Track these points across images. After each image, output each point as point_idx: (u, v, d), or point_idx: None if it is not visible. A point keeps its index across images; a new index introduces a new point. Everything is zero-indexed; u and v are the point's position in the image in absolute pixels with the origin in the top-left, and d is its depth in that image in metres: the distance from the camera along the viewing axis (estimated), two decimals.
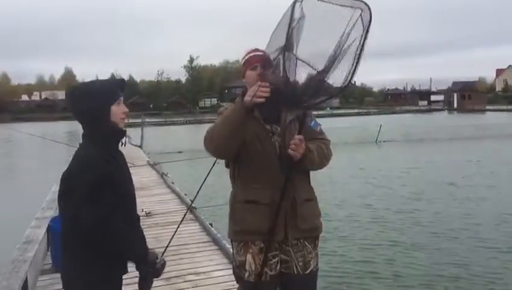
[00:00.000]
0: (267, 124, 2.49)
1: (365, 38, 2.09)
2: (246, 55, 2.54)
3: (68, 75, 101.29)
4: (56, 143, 15.97)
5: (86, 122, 2.13)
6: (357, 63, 2.12)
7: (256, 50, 2.53)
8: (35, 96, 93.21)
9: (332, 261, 6.86)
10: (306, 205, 2.52)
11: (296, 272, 2.53)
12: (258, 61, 2.47)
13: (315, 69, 2.21)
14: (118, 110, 2.14)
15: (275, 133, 2.50)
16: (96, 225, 1.98)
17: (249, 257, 2.49)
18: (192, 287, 4.46)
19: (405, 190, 12.01)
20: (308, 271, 2.55)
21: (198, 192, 2.79)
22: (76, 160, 2.08)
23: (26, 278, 3.85)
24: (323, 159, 2.52)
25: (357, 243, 7.79)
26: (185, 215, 3.42)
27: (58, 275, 4.69)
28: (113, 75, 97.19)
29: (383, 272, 6.51)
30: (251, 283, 2.49)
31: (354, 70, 2.14)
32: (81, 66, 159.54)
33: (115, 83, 2.21)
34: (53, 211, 5.65)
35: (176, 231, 2.89)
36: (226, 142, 2.33)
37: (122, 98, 2.18)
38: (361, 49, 2.10)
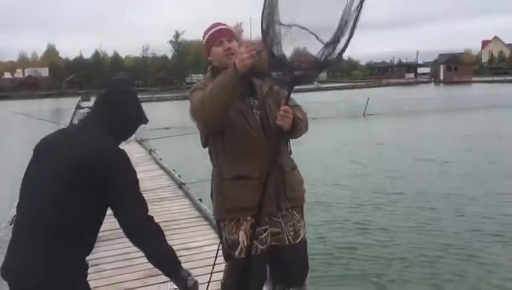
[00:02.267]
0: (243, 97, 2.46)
1: (361, 5, 2.02)
2: (208, 31, 2.54)
3: (51, 51, 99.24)
4: (41, 121, 15.71)
5: (121, 118, 2.10)
6: (353, 32, 2.06)
7: (218, 24, 2.55)
8: (18, 74, 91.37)
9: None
10: (292, 173, 2.56)
11: (287, 242, 2.52)
12: (223, 35, 2.50)
13: (320, 41, 2.12)
14: None
15: (253, 106, 2.49)
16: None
17: (241, 234, 2.44)
18: (185, 261, 4.39)
19: (392, 165, 11.84)
20: (298, 240, 2.55)
21: None
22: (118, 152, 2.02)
23: None
24: (306, 127, 2.56)
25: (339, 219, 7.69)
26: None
27: None
28: (97, 52, 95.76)
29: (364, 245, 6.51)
30: (242, 259, 2.43)
31: (349, 41, 2.07)
32: (65, 42, 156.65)
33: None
34: None
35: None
36: (219, 112, 2.26)
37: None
38: (358, 17, 2.04)
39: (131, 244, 2.08)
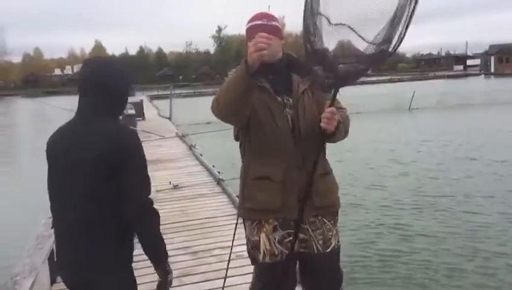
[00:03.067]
0: (277, 95, 2.32)
1: None
2: (247, 23, 2.31)
3: (98, 48, 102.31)
4: None
5: (113, 96, 2.06)
6: (408, 26, 1.90)
7: (257, 17, 2.30)
8: (68, 70, 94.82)
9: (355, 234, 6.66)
10: (322, 180, 2.35)
11: (316, 251, 2.38)
12: (258, 32, 2.22)
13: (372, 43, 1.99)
14: None
15: (286, 105, 2.32)
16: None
17: (262, 236, 2.35)
18: (219, 261, 4.37)
19: (437, 165, 11.17)
20: (329, 249, 2.39)
21: None
22: (130, 133, 2.04)
23: (52, 252, 3.84)
24: (346, 132, 2.37)
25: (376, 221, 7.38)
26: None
27: None
28: (142, 48, 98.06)
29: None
30: (267, 264, 2.35)
31: (404, 35, 1.92)
32: (111, 38, 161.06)
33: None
34: None
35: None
36: (231, 108, 2.13)
37: None
38: (414, 9, 1.87)
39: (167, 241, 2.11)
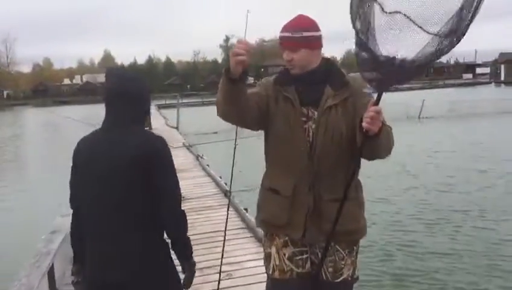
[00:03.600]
0: (304, 106, 2.15)
1: None
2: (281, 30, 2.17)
3: (107, 57, 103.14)
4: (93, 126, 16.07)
5: (140, 106, 2.17)
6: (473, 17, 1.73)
7: (285, 28, 2.11)
8: (77, 80, 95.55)
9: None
10: (332, 205, 2.10)
11: (325, 278, 2.22)
12: (285, 44, 2.13)
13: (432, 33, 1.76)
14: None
15: (310, 119, 2.15)
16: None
17: (273, 249, 2.26)
18: (226, 278, 4.22)
19: (448, 177, 10.87)
20: (339, 280, 2.22)
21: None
22: (160, 139, 2.16)
23: (52, 269, 3.71)
24: (389, 149, 2.06)
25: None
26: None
27: None
28: (150, 57, 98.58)
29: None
30: (276, 279, 2.25)
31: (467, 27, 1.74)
32: (119, 48, 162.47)
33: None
34: None
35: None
36: (224, 109, 2.10)
37: None
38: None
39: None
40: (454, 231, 7.13)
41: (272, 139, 2.23)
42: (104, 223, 2.08)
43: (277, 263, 2.24)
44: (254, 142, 2.27)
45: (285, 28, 2.13)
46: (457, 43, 1.76)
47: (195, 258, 2.21)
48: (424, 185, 10.06)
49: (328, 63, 2.21)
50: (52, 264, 3.65)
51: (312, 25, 2.12)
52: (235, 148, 2.64)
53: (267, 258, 2.29)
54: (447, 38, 1.75)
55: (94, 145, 2.13)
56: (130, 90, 2.11)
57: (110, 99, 2.13)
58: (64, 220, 4.61)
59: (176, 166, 2.16)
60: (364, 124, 1.87)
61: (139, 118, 2.17)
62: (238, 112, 2.08)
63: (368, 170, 11.16)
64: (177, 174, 2.16)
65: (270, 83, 2.24)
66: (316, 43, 2.13)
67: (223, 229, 5.49)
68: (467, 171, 11.25)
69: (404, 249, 6.50)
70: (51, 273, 3.68)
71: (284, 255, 2.22)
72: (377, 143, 1.94)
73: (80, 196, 2.14)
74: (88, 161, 2.10)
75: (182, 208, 2.14)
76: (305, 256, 2.22)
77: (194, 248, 2.63)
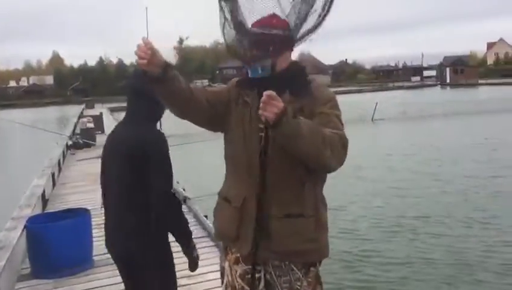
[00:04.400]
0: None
1: None
2: None
3: (56, 59, 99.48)
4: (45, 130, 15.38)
5: (150, 103, 2.42)
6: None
7: (257, 23, 1.91)
8: (24, 82, 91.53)
9: None
10: (286, 222, 1.91)
11: None
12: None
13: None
14: None
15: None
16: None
17: (226, 264, 2.09)
18: None
19: (404, 181, 10.85)
20: None
21: None
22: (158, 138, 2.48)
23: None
24: (324, 144, 1.75)
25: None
26: None
27: (37, 281, 4.28)
28: (101, 59, 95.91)
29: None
30: None
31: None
32: (69, 49, 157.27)
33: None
34: (31, 210, 5.12)
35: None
36: (169, 109, 2.03)
37: None
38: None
39: None
40: (410, 238, 7.02)
41: (227, 145, 2.07)
42: (109, 201, 2.56)
43: (230, 279, 2.07)
44: (216, 145, 2.08)
45: (256, 24, 1.91)
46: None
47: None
48: (379, 190, 9.95)
49: (295, 67, 2.00)
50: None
51: (283, 25, 1.89)
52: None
53: (221, 273, 2.14)
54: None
55: (110, 134, 2.67)
56: (145, 90, 2.22)
57: (127, 97, 2.57)
58: (9, 233, 4.25)
59: None
60: (259, 112, 1.72)
61: (152, 115, 2.50)
62: (179, 109, 1.96)
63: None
64: None
65: (233, 84, 2.07)
66: (285, 44, 1.91)
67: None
68: (422, 174, 11.32)
69: (362, 259, 6.32)
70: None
71: (236, 272, 2.03)
72: (283, 136, 1.74)
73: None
74: (104, 145, 2.65)
75: (172, 197, 2.42)
76: (257, 275, 2.01)
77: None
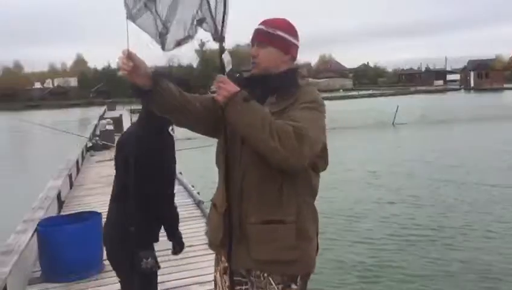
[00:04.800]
0: None
1: None
2: None
3: (80, 61, 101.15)
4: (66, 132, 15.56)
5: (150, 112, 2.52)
6: None
7: (266, 21, 1.94)
8: (48, 84, 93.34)
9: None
10: (264, 229, 1.82)
11: None
12: (255, 38, 1.95)
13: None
14: None
15: None
16: None
17: (217, 274, 2.02)
18: None
19: (424, 190, 10.42)
20: None
21: None
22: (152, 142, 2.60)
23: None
24: (270, 133, 1.67)
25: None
26: None
27: (47, 284, 4.25)
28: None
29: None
30: None
31: None
32: (93, 52, 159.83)
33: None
34: (44, 212, 5.12)
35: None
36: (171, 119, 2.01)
37: None
38: None
39: None
40: (427, 249, 6.70)
41: (218, 148, 2.00)
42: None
43: (219, 289, 2.01)
44: None
45: (262, 22, 1.93)
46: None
47: (164, 277, 2.85)
48: (395, 198, 9.61)
49: (289, 71, 1.93)
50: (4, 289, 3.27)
51: (290, 30, 1.94)
52: None
53: (214, 283, 2.06)
54: None
55: (120, 135, 2.93)
56: None
57: None
58: (19, 237, 4.24)
59: None
60: (214, 96, 1.80)
61: (151, 117, 2.39)
62: (174, 119, 1.93)
63: (337, 183, 10.38)
64: None
65: None
66: (288, 48, 1.92)
67: (195, 243, 5.23)
68: (441, 182, 10.92)
69: (378, 269, 6.06)
70: None
71: (225, 282, 1.96)
72: (231, 119, 1.74)
73: None
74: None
75: (162, 194, 2.67)
76: (244, 287, 1.92)
77: (163, 265, 2.97)
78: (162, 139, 2.65)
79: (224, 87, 1.73)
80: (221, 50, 1.81)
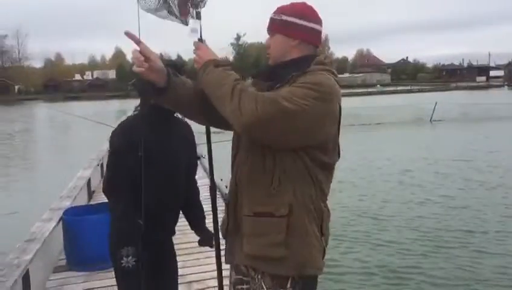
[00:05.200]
0: None
1: None
2: None
3: (118, 54, 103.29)
4: (103, 123, 15.85)
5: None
6: None
7: (275, 9, 1.83)
8: (88, 76, 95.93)
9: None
10: (254, 222, 1.74)
11: None
12: (267, 28, 1.87)
13: None
14: None
15: None
16: None
17: (230, 267, 1.95)
18: None
19: (460, 192, 9.85)
20: None
21: None
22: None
23: (27, 282, 3.38)
24: (234, 94, 1.59)
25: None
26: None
27: (71, 273, 4.29)
28: (161, 55, 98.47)
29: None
30: None
31: None
32: (131, 45, 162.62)
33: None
34: (71, 201, 5.17)
35: None
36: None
37: None
38: None
39: None
40: (457, 255, 6.30)
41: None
42: None
43: (229, 284, 1.97)
44: None
45: (274, 10, 1.83)
46: None
47: (185, 270, 2.86)
48: (425, 198, 9.14)
49: (299, 59, 1.77)
50: (28, 278, 3.30)
51: (298, 11, 1.77)
52: None
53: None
54: None
55: None
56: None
57: None
58: (44, 225, 4.28)
59: None
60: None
61: (140, 108, 2.41)
62: (187, 115, 1.94)
63: (366, 175, 10.02)
64: None
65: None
66: (294, 31, 1.76)
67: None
68: (475, 183, 10.34)
69: (403, 275, 5.71)
70: (26, 285, 3.34)
71: (231, 278, 1.92)
72: (201, 83, 1.73)
73: None
74: None
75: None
76: (245, 286, 1.85)
77: (185, 258, 2.89)
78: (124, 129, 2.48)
79: (198, 54, 1.77)
80: (197, 16, 1.94)
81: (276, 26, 1.80)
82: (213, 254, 3.35)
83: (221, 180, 8.25)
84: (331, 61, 1.80)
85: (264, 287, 1.75)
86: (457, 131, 20.33)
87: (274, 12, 1.82)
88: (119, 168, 2.33)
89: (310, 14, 1.79)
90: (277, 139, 1.62)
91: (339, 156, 1.82)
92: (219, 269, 2.14)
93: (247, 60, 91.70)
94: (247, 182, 1.76)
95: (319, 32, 1.81)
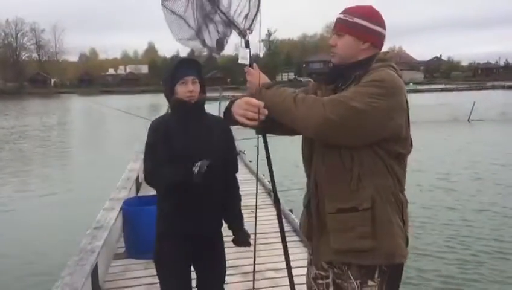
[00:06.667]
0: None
1: None
2: None
3: (151, 49, 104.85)
4: (139, 116, 16.20)
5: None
6: None
7: (345, 9, 1.88)
8: (121, 70, 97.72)
9: None
10: (338, 218, 1.80)
11: None
12: (334, 27, 1.90)
13: None
14: (182, 90, 2.43)
15: None
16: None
17: (307, 263, 2.09)
18: (272, 286, 3.98)
19: (501, 197, 9.35)
20: None
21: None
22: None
23: (96, 267, 3.58)
24: (298, 103, 1.75)
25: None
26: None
27: (131, 260, 4.48)
28: (192, 51, 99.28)
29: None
30: None
31: None
32: (163, 41, 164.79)
33: (178, 66, 2.46)
34: (127, 192, 5.39)
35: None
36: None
37: (189, 78, 2.44)
38: None
39: None
40: (496, 265, 5.98)
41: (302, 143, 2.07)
42: None
43: (307, 279, 2.07)
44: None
45: (343, 10, 1.89)
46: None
47: (241, 261, 2.98)
48: (459, 204, 8.82)
49: (365, 60, 1.84)
50: (96, 263, 3.50)
51: (370, 16, 1.83)
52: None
53: (306, 274, 2.10)
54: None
55: None
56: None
57: None
58: (107, 214, 4.49)
59: None
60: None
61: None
62: (285, 133, 2.05)
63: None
64: None
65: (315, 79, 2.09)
66: (366, 35, 1.82)
67: (267, 231, 5.31)
68: None
69: (442, 286, 5.48)
70: (95, 271, 3.54)
71: (310, 273, 2.03)
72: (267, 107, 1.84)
73: None
74: None
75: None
76: (325, 281, 1.95)
77: (239, 249, 2.93)
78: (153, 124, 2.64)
79: (249, 80, 1.99)
80: (246, 45, 2.08)
81: (346, 27, 1.83)
82: (264, 247, 3.37)
83: (264, 175, 8.39)
84: (391, 57, 1.92)
85: (352, 277, 1.83)
86: (497, 131, 19.75)
87: (344, 13, 1.86)
88: (153, 159, 2.45)
89: (380, 19, 1.86)
90: (349, 138, 1.72)
91: (411, 146, 1.88)
92: (288, 265, 2.18)
93: (278, 57, 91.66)
94: (326, 181, 1.84)
95: (385, 37, 1.90)
